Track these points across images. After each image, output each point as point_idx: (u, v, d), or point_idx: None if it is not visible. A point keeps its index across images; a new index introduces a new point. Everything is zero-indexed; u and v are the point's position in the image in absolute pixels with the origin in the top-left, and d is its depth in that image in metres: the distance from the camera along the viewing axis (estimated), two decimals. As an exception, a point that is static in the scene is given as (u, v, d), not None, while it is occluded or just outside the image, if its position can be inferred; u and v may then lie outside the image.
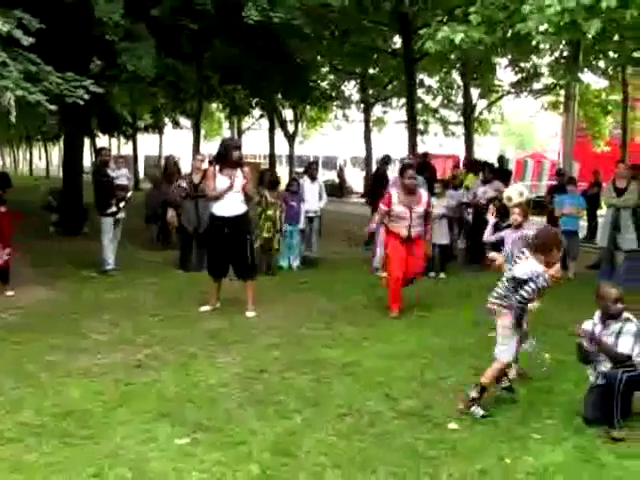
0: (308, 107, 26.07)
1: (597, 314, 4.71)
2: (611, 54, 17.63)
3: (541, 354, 5.63)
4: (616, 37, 13.47)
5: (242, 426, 4.33)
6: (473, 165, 13.17)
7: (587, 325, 4.71)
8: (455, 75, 24.18)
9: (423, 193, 7.80)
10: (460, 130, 25.52)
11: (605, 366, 4.55)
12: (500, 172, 12.36)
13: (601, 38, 12.10)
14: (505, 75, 23.18)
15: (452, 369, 5.52)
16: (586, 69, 18.39)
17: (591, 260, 11.00)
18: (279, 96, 20.62)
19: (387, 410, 4.65)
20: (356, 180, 33.39)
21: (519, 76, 22.17)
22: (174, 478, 3.67)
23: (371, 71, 24.79)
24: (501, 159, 14.37)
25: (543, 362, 5.52)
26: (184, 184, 10.21)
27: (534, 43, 9.99)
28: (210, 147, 26.10)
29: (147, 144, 37.01)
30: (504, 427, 4.42)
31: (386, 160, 13.52)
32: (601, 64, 19.49)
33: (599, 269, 10.04)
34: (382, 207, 7.53)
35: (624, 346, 4.48)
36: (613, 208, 9.71)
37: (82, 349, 5.98)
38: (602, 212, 12.22)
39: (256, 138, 34.66)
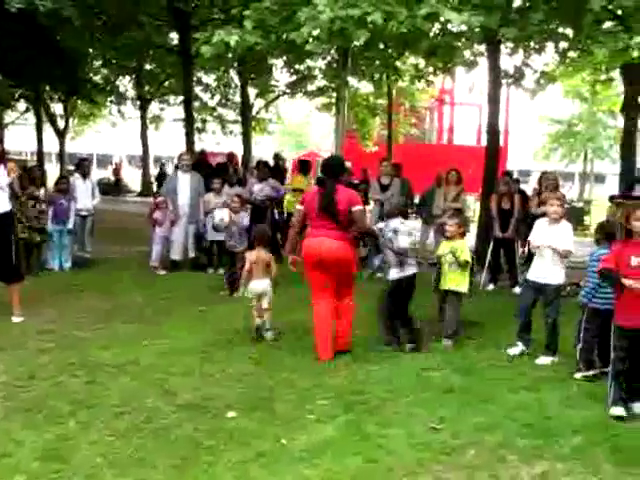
0: (79, 101, 24.76)
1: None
2: (377, 62, 18.97)
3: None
4: (381, 46, 14.54)
5: (6, 437, 4.02)
6: (302, 165, 12.99)
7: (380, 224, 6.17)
8: (233, 74, 24.47)
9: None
10: (238, 129, 25.88)
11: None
12: (276, 170, 12.75)
13: (368, 46, 13.02)
14: (281, 76, 23.92)
15: (230, 360, 5.62)
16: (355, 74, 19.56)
17: (362, 252, 11.76)
18: (47, 88, 19.33)
19: (166, 405, 4.62)
20: (133, 178, 32.40)
21: (294, 77, 23.02)
22: None
23: (147, 67, 24.22)
24: (277, 157, 14.82)
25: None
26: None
27: (308, 48, 10.48)
28: (-33, 141, 23.66)
29: None
30: (280, 411, 4.60)
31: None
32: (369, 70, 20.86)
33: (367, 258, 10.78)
34: None
35: (403, 241, 5.93)
36: (378, 202, 10.50)
37: None
38: (369, 207, 13.12)
39: (22, 133, 32.15)
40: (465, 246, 6.64)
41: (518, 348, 6.15)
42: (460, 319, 6.63)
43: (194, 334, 6.44)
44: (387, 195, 10.40)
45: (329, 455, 3.93)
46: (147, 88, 26.34)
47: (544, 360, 5.92)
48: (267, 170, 11.67)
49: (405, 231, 6.10)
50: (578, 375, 5.43)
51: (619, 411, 4.67)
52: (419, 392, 5.01)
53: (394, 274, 6.10)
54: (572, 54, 12.25)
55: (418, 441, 4.15)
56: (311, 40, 9.34)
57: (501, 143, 17.53)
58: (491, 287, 9.53)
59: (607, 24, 9.87)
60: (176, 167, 10.57)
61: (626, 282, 4.68)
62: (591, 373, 5.44)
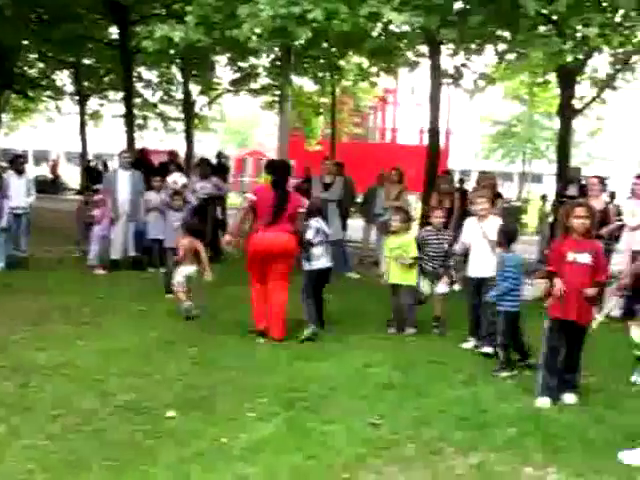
0: (13, 95, 23.96)
1: None
2: (321, 61, 19.04)
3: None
4: (325, 45, 14.63)
5: None
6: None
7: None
8: (175, 70, 24.10)
9: None
10: (181, 126, 25.51)
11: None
12: (218, 168, 12.65)
13: (311, 45, 13.08)
14: (225, 73, 23.67)
15: (170, 360, 5.56)
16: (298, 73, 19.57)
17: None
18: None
19: (103, 406, 4.52)
20: (71, 176, 31.59)
21: (238, 75, 22.83)
22: None
23: (86, 61, 23.60)
24: (219, 155, 14.72)
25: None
26: None
27: (250, 45, 10.45)
28: None
29: None
30: (221, 410, 4.57)
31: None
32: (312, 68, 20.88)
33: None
34: None
35: (308, 234, 6.60)
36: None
37: None
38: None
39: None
40: (413, 242, 6.88)
41: (470, 343, 6.42)
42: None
43: (133, 334, 6.33)
44: (329, 193, 10.44)
45: (269, 452, 3.92)
46: (86, 83, 25.69)
47: (487, 349, 6.16)
48: (209, 168, 11.57)
49: (314, 227, 6.69)
50: (503, 374, 5.55)
51: (544, 402, 4.86)
52: (359, 388, 5.05)
53: (306, 266, 6.75)
54: (510, 57, 12.56)
55: (358, 436, 4.19)
56: (253, 37, 9.33)
57: (443, 143, 17.78)
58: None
59: (543, 28, 10.19)
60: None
61: (556, 286, 4.93)
62: (514, 373, 5.58)
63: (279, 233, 6.35)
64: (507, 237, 5.89)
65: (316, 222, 6.71)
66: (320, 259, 6.69)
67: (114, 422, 4.28)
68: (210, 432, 4.18)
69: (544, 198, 16.25)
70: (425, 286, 6.98)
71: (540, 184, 44.24)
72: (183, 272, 7.15)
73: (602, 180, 8.27)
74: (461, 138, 37.85)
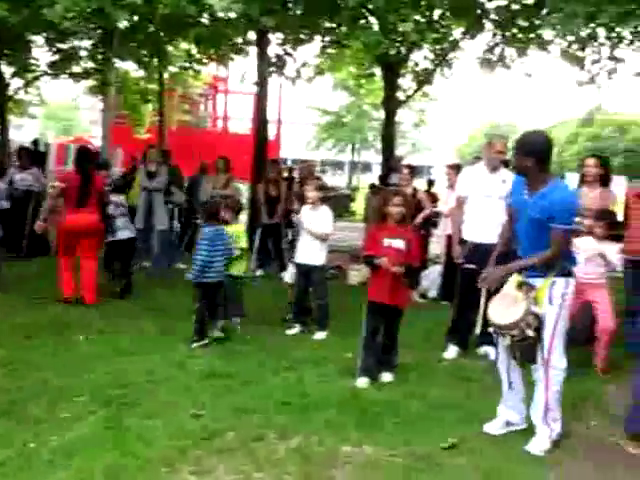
0: None
1: None
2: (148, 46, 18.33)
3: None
4: (152, 29, 14.17)
5: None
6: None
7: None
8: (-16, 49, 22.18)
9: None
10: None
11: None
12: (35, 157, 11.82)
13: (136, 29, 12.59)
14: (43, 54, 22.10)
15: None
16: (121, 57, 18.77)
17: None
18: None
19: None
20: None
21: (57, 57, 21.49)
22: None
23: None
24: (35, 143, 13.80)
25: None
26: None
27: (66, 26, 9.85)
28: None
29: None
30: (32, 414, 4.28)
31: None
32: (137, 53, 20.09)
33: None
34: None
35: (110, 210, 7.61)
36: (146, 191, 10.16)
37: None
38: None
39: None
40: (243, 233, 6.80)
41: (295, 329, 6.56)
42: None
43: None
44: (155, 182, 10.11)
45: (83, 454, 3.73)
46: None
47: (320, 335, 6.39)
48: (29, 158, 10.77)
49: (114, 202, 7.61)
50: (194, 345, 5.83)
51: (363, 382, 5.08)
52: (181, 380, 4.96)
53: (108, 237, 7.62)
54: (332, 50, 12.92)
55: (178, 429, 4.10)
56: (68, 18, 8.82)
57: (274, 132, 17.87)
58: (260, 272, 9.76)
59: (365, 21, 10.57)
60: None
61: (379, 261, 5.10)
62: (205, 342, 5.90)
63: (86, 213, 7.21)
64: (206, 212, 6.42)
65: (116, 197, 7.66)
66: (123, 230, 7.61)
67: None
68: (17, 439, 3.90)
69: (373, 187, 16.91)
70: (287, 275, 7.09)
71: (370, 173, 46.19)
72: None
73: (412, 168, 8.71)
74: (293, 127, 38.45)
